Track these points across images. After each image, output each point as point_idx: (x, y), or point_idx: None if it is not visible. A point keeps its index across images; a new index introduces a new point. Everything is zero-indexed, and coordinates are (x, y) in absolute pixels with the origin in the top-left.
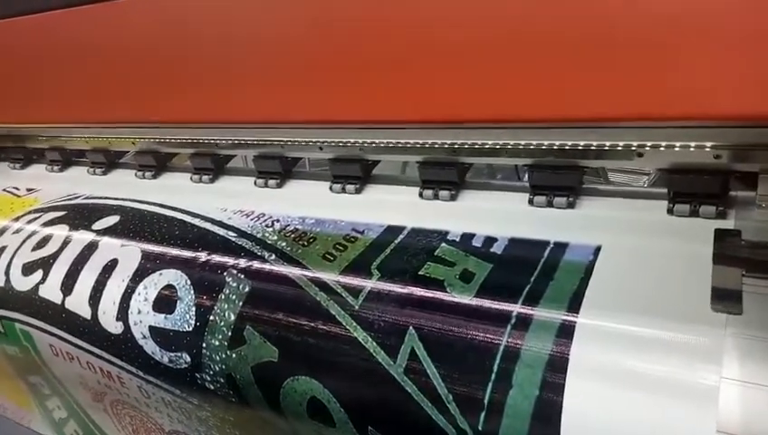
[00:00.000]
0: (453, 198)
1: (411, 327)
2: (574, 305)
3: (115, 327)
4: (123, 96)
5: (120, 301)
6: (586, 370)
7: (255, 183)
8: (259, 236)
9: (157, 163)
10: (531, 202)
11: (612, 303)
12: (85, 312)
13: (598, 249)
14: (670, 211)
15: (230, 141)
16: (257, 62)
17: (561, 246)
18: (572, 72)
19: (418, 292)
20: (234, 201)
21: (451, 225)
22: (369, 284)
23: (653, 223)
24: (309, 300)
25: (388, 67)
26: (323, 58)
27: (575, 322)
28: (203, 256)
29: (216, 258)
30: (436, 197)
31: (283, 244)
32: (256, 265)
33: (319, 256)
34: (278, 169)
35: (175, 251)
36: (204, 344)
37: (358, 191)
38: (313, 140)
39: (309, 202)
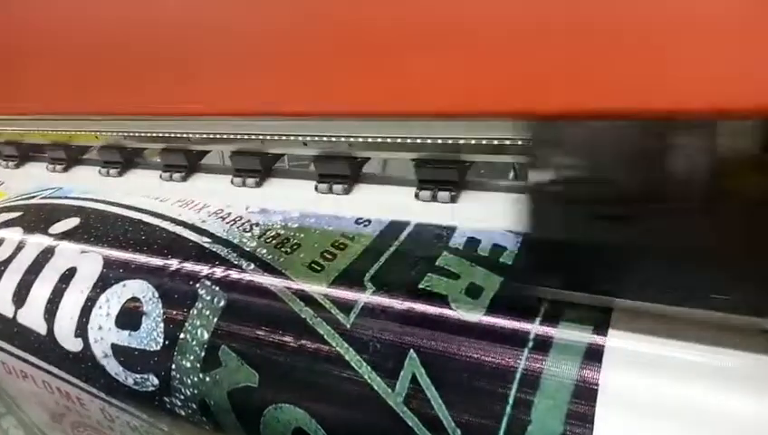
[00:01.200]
0: (453, 199)
1: (412, 350)
2: (601, 325)
3: (73, 344)
4: (83, 84)
5: (79, 315)
6: (619, 402)
7: (232, 182)
8: (236, 241)
9: (123, 159)
10: None
11: (645, 320)
12: (40, 326)
13: None
14: None
15: (204, 136)
16: (234, 46)
17: None
18: (595, 53)
19: (419, 308)
20: (208, 201)
21: (453, 229)
22: (363, 298)
23: None
24: (293, 317)
25: (380, 51)
26: (307, 41)
27: (603, 345)
28: (172, 264)
29: (188, 267)
30: (434, 198)
31: (264, 251)
32: (233, 275)
33: (304, 266)
34: (257, 166)
35: (141, 259)
36: (173, 366)
37: (346, 191)
38: (297, 134)
39: (293, 203)
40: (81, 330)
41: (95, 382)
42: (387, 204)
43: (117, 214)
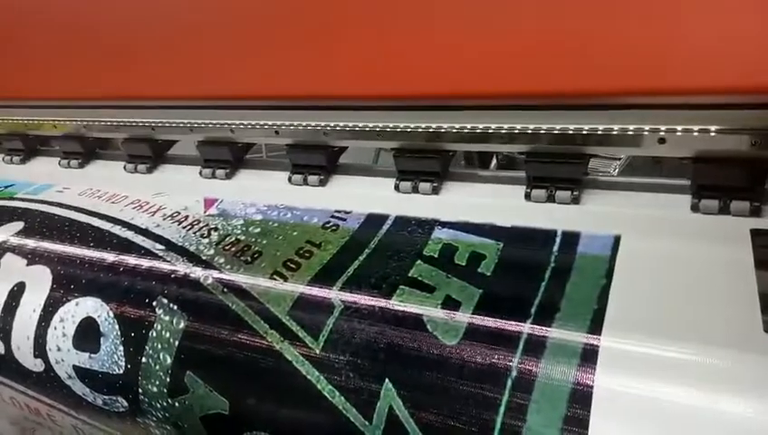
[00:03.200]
0: (435, 190)
1: (387, 380)
2: (594, 332)
3: (34, 365)
4: (39, 68)
5: (35, 336)
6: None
7: (201, 173)
8: (192, 249)
9: (84, 150)
10: (528, 196)
11: (638, 323)
12: None
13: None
14: (695, 207)
15: (169, 124)
16: (200, 28)
17: (565, 260)
18: (577, 32)
19: (393, 333)
20: (164, 202)
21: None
22: (330, 319)
23: (673, 222)
24: (258, 341)
25: (356, 29)
26: (275, 20)
27: (594, 366)
28: (125, 280)
29: (142, 283)
30: (415, 190)
31: (222, 260)
32: (190, 292)
33: (266, 277)
34: (227, 156)
35: (91, 273)
36: (140, 390)
37: (322, 183)
38: (268, 122)
39: (262, 197)
40: (40, 351)
41: (64, 401)
42: (365, 196)
43: (65, 217)
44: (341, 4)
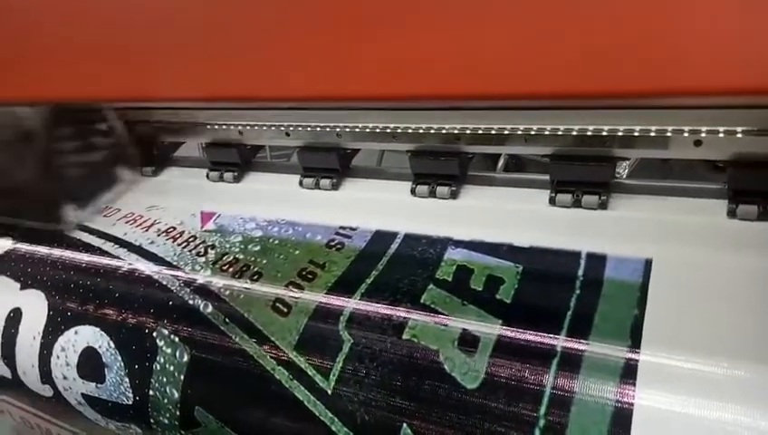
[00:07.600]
0: (453, 195)
1: (405, 425)
2: (628, 379)
3: (43, 390)
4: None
5: (39, 364)
6: None
7: (208, 176)
8: (188, 269)
9: None
10: (552, 201)
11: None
12: (3, 371)
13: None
14: (731, 213)
15: (174, 124)
16: (206, 27)
17: (592, 287)
18: (604, 29)
19: (408, 374)
20: (159, 216)
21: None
22: (340, 357)
23: (709, 229)
24: (266, 378)
25: (369, 25)
26: (286, 16)
27: (633, 404)
28: (122, 307)
29: (140, 310)
30: (432, 194)
31: (220, 284)
32: (191, 322)
33: (267, 307)
34: (235, 159)
35: (86, 299)
36: (152, 421)
37: (334, 187)
38: (279, 123)
39: (272, 201)
40: (47, 378)
41: (76, 423)
42: (379, 201)
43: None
44: (356, 3)
